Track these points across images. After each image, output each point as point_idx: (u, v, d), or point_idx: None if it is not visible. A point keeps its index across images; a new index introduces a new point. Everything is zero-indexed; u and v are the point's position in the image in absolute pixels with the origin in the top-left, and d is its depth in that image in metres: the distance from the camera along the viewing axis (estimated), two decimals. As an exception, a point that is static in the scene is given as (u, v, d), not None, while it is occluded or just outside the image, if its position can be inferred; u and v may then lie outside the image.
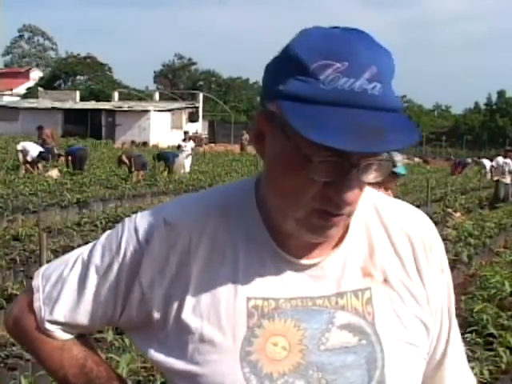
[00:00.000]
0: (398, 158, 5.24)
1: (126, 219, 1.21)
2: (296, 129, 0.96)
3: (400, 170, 5.12)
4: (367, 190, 1.25)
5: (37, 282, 1.24)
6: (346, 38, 1.02)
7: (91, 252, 1.21)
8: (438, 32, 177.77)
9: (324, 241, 1.12)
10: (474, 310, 6.10)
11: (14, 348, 5.02)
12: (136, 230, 1.17)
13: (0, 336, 5.45)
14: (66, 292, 1.20)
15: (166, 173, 20.21)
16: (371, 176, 1.04)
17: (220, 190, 1.24)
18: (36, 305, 1.22)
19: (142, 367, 4.73)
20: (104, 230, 8.39)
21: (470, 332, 5.54)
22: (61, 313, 1.20)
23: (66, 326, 1.22)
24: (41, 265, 6.23)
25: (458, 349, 1.30)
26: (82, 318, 1.20)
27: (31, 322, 1.23)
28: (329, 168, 1.00)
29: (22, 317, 1.25)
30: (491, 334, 5.55)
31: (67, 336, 1.24)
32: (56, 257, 7.21)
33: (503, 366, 4.98)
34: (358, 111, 0.97)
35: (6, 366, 4.82)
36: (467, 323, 5.80)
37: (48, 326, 1.22)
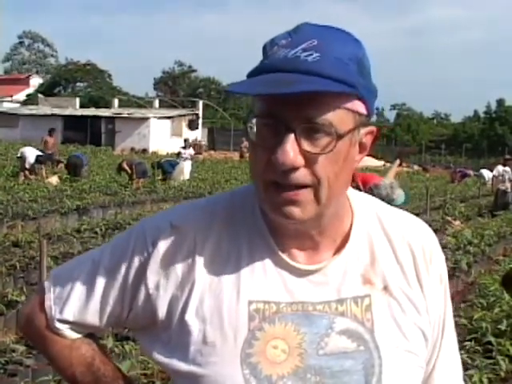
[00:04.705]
0: (398, 191, 5.24)
1: (136, 222, 1.24)
2: (226, 89, 1.11)
3: (396, 202, 5.10)
4: (369, 199, 1.27)
5: (48, 282, 1.28)
6: (301, 24, 1.11)
7: (101, 253, 1.25)
8: (437, 40, 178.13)
9: (299, 226, 1.12)
10: (473, 318, 6.11)
11: (13, 354, 5.02)
12: (144, 233, 1.20)
13: (0, 342, 5.46)
14: (76, 292, 1.23)
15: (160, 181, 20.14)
16: (310, 144, 1.05)
17: (226, 195, 1.27)
18: (47, 304, 1.25)
19: (142, 374, 4.74)
20: (104, 237, 8.35)
21: (470, 340, 5.55)
22: (70, 312, 1.24)
23: (75, 325, 1.25)
24: (41, 271, 6.24)
25: (448, 363, 1.30)
26: (91, 317, 1.23)
27: (42, 321, 1.27)
28: (267, 132, 1.07)
29: (33, 316, 1.28)
30: (490, 342, 5.55)
31: (76, 335, 1.27)
32: (56, 263, 7.26)
33: (502, 373, 4.99)
34: (284, 74, 1.04)
35: (5, 373, 4.81)
36: (467, 331, 5.81)
37: (58, 325, 1.25)
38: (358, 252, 1.19)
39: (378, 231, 1.22)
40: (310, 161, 1.06)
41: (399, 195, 5.30)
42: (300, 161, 1.05)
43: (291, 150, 1.04)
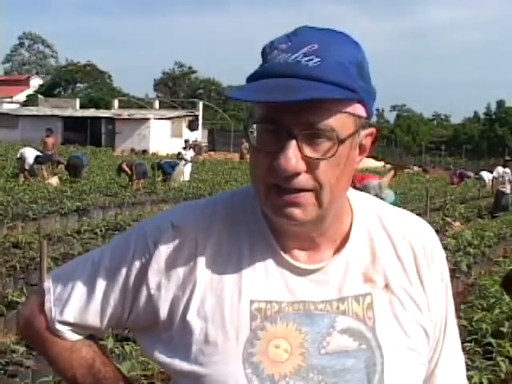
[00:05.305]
0: (387, 191, 5.28)
1: (136, 223, 1.24)
2: (226, 95, 1.11)
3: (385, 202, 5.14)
4: (369, 198, 1.28)
5: (48, 283, 1.27)
6: (300, 28, 1.12)
7: (101, 254, 1.25)
8: (437, 41, 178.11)
9: (301, 228, 1.13)
10: (474, 319, 6.12)
11: (14, 355, 5.02)
12: (144, 234, 1.20)
13: (0, 343, 5.46)
14: (76, 293, 1.23)
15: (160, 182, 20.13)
16: (312, 150, 1.06)
17: (226, 195, 1.27)
18: (47, 306, 1.25)
19: (143, 375, 4.74)
20: (104, 238, 8.33)
21: (470, 341, 5.55)
22: (71, 314, 1.23)
23: (75, 327, 1.25)
24: (41, 272, 6.24)
25: (451, 360, 1.30)
26: (92, 318, 1.23)
27: (42, 323, 1.26)
28: (269, 138, 1.07)
29: (33, 318, 1.28)
30: (490, 343, 5.55)
31: (77, 337, 1.27)
32: (56, 264, 7.26)
33: (502, 375, 4.99)
34: (285, 80, 1.04)
35: (6, 374, 4.81)
36: (467, 332, 5.81)
37: (58, 326, 1.25)
38: (359, 251, 1.20)
39: (379, 230, 1.23)
40: (311, 166, 1.06)
41: (388, 195, 5.35)
42: (302, 166, 1.06)
43: (293, 156, 1.04)
